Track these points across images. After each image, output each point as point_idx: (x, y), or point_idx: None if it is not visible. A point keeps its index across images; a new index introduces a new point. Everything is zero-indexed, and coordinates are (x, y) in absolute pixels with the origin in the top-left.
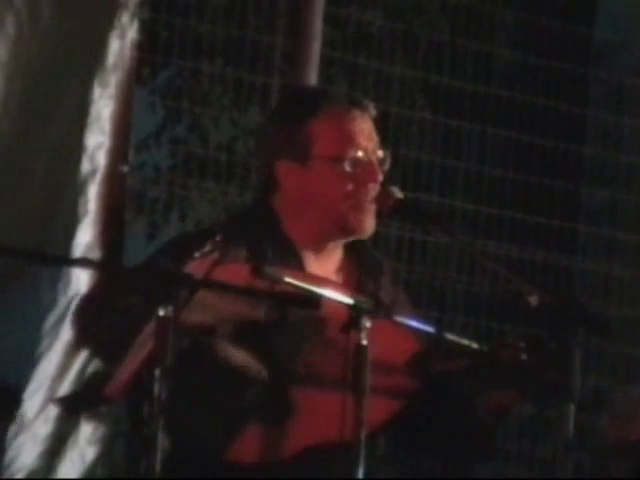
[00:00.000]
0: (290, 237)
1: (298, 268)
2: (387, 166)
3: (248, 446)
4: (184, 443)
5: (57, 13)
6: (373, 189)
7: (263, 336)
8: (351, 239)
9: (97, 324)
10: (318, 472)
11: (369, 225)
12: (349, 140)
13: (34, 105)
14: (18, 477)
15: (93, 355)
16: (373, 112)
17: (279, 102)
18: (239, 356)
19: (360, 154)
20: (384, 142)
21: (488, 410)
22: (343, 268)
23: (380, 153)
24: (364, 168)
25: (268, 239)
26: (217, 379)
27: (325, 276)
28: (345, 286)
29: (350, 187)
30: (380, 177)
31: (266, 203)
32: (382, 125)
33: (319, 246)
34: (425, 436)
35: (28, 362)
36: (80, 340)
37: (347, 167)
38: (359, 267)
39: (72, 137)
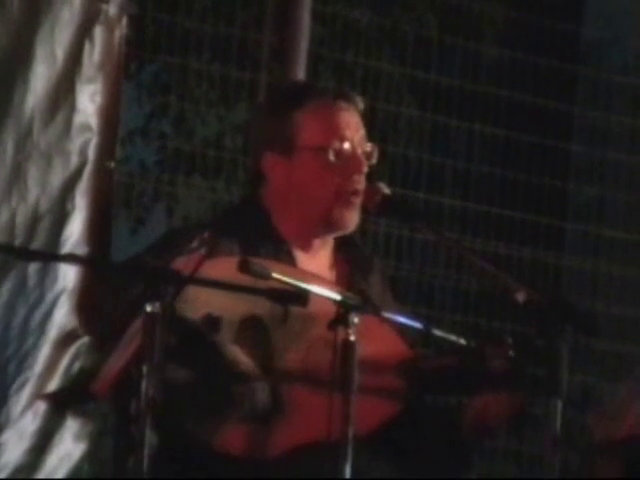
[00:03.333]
0: (281, 233)
1: (290, 264)
2: (375, 160)
3: (235, 443)
4: (172, 437)
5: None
6: (358, 181)
7: (264, 332)
8: (334, 234)
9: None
10: (306, 470)
11: (352, 220)
12: (334, 130)
13: (20, 102)
14: (3, 474)
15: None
16: (361, 105)
17: (266, 96)
18: (232, 351)
19: (345, 145)
20: (372, 138)
21: (472, 424)
22: (334, 264)
23: (367, 146)
24: (349, 159)
25: (259, 235)
26: (210, 373)
27: (317, 272)
28: (335, 282)
29: (335, 179)
30: (365, 168)
31: (255, 199)
32: (369, 121)
33: (308, 242)
34: (405, 450)
35: (15, 359)
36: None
37: (331, 158)
38: (350, 263)
39: (59, 133)
